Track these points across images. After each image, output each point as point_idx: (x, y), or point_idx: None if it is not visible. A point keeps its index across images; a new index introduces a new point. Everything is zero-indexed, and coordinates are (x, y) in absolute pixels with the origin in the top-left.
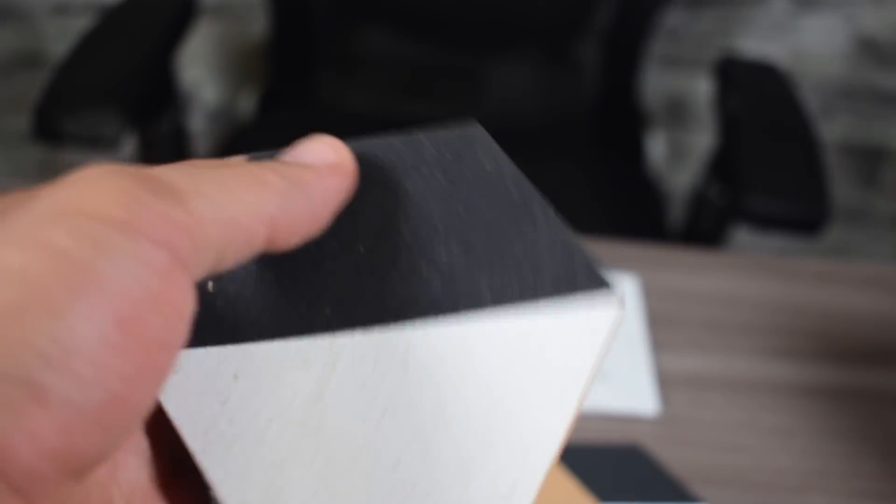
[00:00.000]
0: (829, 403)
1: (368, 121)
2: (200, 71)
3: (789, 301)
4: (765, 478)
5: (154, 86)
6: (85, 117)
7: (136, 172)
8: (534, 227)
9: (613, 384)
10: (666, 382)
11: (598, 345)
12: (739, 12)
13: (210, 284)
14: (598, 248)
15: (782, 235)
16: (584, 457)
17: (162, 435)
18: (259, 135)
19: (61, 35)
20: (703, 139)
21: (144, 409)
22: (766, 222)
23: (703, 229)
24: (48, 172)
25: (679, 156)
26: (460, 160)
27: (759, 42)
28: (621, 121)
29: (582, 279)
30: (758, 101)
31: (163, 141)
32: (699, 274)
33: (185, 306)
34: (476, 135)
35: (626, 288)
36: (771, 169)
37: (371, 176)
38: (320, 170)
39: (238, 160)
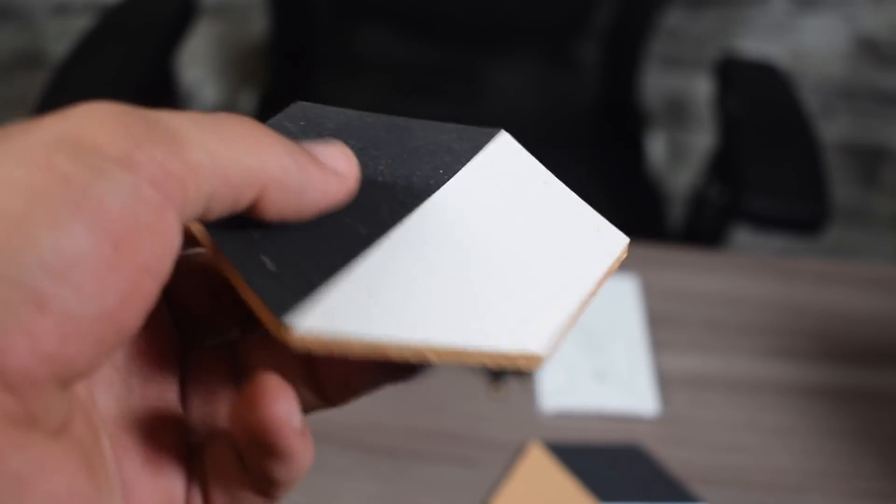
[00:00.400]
0: (830, 403)
1: None
2: (200, 71)
3: (789, 301)
4: (765, 478)
5: (154, 86)
6: None
7: (141, 114)
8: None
9: (613, 384)
10: (666, 382)
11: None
12: (739, 12)
13: (268, 262)
14: None
15: (782, 235)
16: (584, 457)
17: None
18: None
19: (61, 35)
20: (703, 139)
21: (130, 330)
22: (766, 222)
23: (703, 229)
24: None
25: (679, 156)
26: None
27: (759, 42)
28: (621, 121)
29: None
30: (758, 101)
31: None
32: (699, 274)
33: (174, 241)
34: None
35: (627, 288)
36: (771, 169)
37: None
38: (326, 169)
39: (255, 123)
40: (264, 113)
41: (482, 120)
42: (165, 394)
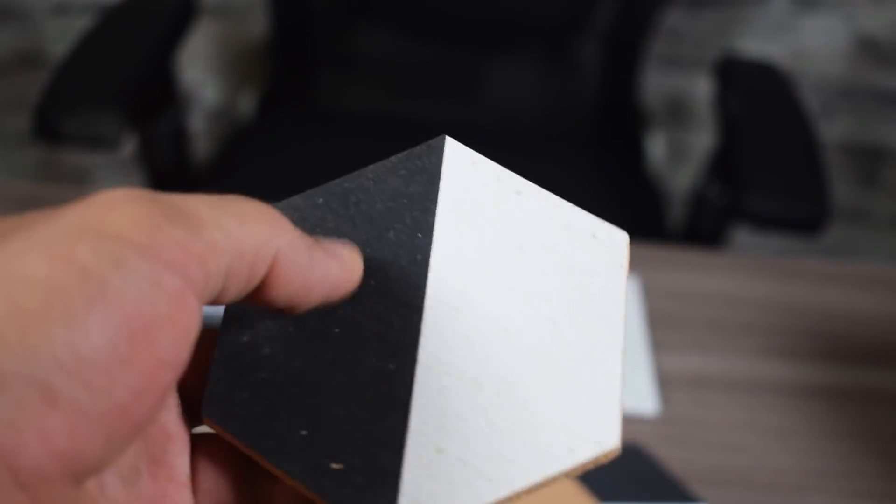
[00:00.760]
0: (830, 403)
1: (368, 120)
2: (200, 71)
3: (789, 301)
4: (765, 478)
5: (154, 86)
6: (85, 117)
7: (157, 198)
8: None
9: None
10: (666, 382)
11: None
12: (739, 12)
13: (323, 459)
14: None
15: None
16: None
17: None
18: (259, 135)
19: (61, 35)
20: (703, 139)
21: (145, 424)
22: (766, 222)
23: (703, 229)
24: (48, 172)
25: (679, 156)
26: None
27: (759, 42)
28: (621, 120)
29: None
30: (758, 101)
31: (163, 141)
32: (700, 274)
33: (192, 329)
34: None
35: (627, 288)
36: (771, 169)
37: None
38: (331, 252)
39: (261, 203)
40: (264, 113)
41: (482, 120)
42: (175, 475)
